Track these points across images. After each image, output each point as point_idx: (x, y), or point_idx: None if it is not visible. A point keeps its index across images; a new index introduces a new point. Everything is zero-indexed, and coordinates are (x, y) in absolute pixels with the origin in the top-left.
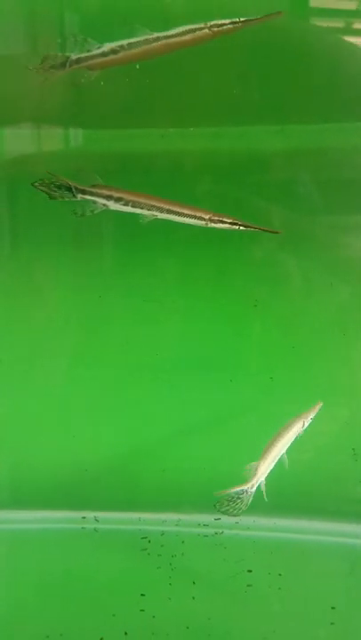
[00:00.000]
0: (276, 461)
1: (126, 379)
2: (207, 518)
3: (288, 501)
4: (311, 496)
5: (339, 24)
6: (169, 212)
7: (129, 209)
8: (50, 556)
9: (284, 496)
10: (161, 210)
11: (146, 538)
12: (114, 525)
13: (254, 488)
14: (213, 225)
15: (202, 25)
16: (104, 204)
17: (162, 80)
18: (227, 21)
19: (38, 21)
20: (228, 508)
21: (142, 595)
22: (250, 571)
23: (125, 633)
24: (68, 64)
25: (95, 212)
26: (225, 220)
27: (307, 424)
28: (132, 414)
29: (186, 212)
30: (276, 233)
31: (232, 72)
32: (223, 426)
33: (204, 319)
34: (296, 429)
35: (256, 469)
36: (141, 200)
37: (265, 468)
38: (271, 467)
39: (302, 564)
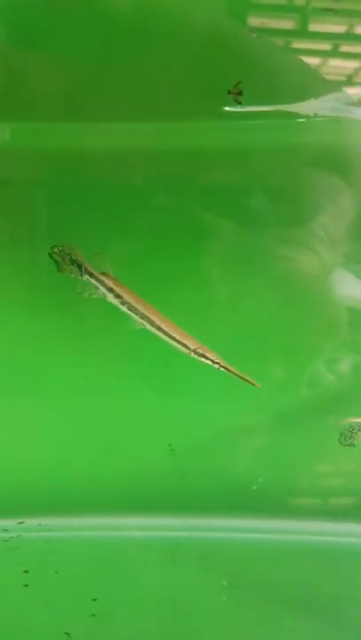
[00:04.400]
0: None
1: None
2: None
3: (103, 499)
4: (126, 492)
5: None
6: (158, 328)
7: (123, 309)
8: None
9: (103, 494)
10: (152, 324)
11: None
12: None
13: None
14: (196, 357)
15: None
16: (103, 294)
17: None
18: None
19: None
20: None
21: None
22: (26, 571)
23: None
24: None
25: (93, 296)
26: (208, 355)
27: None
28: None
29: (174, 335)
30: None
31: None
32: None
33: None
34: None
35: None
36: (138, 306)
37: None
38: None
39: (79, 560)
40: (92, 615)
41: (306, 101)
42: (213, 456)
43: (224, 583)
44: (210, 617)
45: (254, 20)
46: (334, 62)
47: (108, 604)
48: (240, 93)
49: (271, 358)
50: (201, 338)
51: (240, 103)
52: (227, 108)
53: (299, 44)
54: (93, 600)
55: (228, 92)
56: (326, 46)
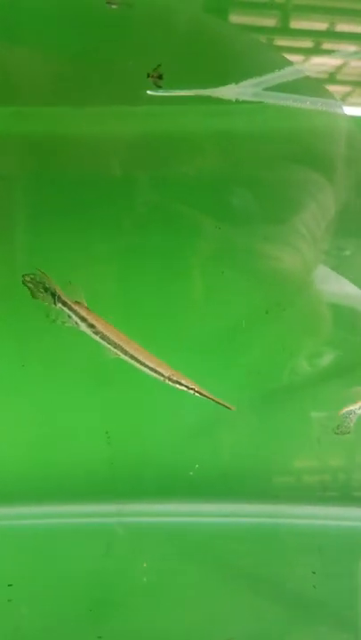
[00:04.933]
0: None
1: None
2: None
3: (38, 487)
4: (62, 480)
5: None
6: (132, 357)
7: (96, 338)
8: None
9: (32, 482)
10: (125, 353)
11: None
12: None
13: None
14: (170, 383)
15: None
16: (76, 323)
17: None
18: None
19: None
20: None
21: None
22: None
23: None
24: None
25: (66, 324)
26: (182, 381)
27: None
28: None
29: (148, 363)
30: (230, 409)
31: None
32: None
33: None
34: None
35: None
36: (110, 336)
37: None
38: None
39: (8, 547)
40: (8, 600)
41: (227, 86)
42: (150, 443)
43: (145, 565)
44: (132, 599)
45: None
46: (255, 50)
47: (27, 590)
48: (160, 77)
49: (252, 354)
50: (183, 334)
51: (160, 87)
52: (149, 92)
53: (223, 30)
54: (9, 585)
55: (148, 76)
56: (250, 34)
